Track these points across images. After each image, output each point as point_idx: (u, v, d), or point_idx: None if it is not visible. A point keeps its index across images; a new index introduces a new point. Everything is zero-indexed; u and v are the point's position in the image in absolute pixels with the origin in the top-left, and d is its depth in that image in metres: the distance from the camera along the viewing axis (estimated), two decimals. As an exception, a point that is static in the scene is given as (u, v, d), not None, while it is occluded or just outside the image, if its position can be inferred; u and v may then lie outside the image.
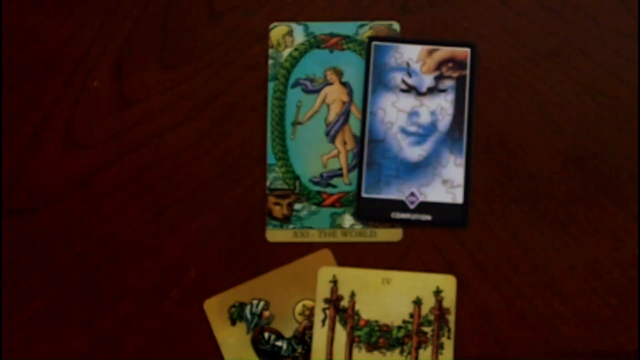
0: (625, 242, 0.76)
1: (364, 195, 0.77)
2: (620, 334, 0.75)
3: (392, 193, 0.77)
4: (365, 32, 0.80)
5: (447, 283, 0.75)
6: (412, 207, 0.77)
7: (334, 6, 0.81)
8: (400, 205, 0.77)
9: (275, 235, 0.78)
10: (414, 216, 0.77)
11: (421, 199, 0.77)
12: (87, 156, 0.79)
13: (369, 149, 0.78)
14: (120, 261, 0.78)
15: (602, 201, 0.77)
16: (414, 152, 0.78)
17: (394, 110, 0.78)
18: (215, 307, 0.76)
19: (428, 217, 0.77)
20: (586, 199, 0.77)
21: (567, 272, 0.76)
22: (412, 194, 0.77)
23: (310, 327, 0.76)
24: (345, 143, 0.79)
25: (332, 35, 0.80)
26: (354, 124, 0.79)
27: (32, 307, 0.77)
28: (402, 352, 0.75)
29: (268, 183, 0.78)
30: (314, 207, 0.78)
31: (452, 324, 0.75)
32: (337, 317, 0.75)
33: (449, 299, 0.75)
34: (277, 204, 0.78)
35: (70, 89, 0.80)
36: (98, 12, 0.82)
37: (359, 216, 0.77)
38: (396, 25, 0.80)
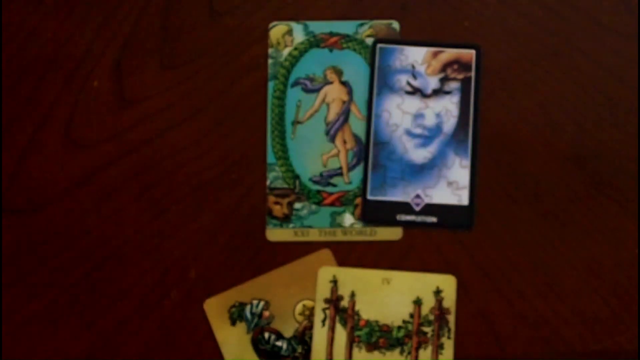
0: (625, 242, 0.76)
1: (369, 197, 0.77)
2: (620, 334, 0.75)
3: (397, 195, 0.77)
4: (365, 31, 0.80)
5: (447, 283, 0.75)
6: (417, 209, 0.77)
7: (334, 6, 0.81)
8: (406, 208, 0.77)
9: (275, 234, 0.78)
10: (420, 218, 0.77)
11: (427, 200, 0.77)
12: (87, 156, 0.79)
13: (374, 151, 0.78)
14: (120, 261, 0.78)
15: (602, 201, 0.77)
16: (419, 154, 0.77)
17: (399, 113, 0.78)
18: (215, 307, 0.76)
19: (434, 219, 0.77)
20: (586, 199, 0.77)
21: (567, 272, 0.76)
22: (418, 196, 0.77)
23: (310, 327, 0.76)
24: (345, 142, 0.79)
25: (331, 34, 0.80)
26: (354, 123, 0.79)
27: (32, 307, 0.77)
28: (402, 352, 0.75)
29: (268, 182, 0.78)
30: (314, 206, 0.78)
31: (452, 324, 0.75)
32: (337, 317, 0.75)
33: (449, 299, 0.75)
34: (277, 203, 0.78)
35: (70, 89, 0.80)
36: (98, 12, 0.81)
37: (364, 218, 0.77)
38: (396, 25, 0.80)
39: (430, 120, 0.78)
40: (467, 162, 0.77)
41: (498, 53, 0.79)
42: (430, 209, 0.77)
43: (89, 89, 0.80)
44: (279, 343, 0.76)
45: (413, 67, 0.79)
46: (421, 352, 0.75)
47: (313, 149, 0.79)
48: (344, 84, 0.80)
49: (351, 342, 0.75)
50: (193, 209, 0.78)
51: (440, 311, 0.75)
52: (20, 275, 0.78)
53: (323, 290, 0.76)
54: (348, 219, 0.78)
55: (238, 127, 0.80)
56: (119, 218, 0.78)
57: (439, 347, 0.75)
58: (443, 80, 0.78)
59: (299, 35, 0.80)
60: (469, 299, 0.76)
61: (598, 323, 0.75)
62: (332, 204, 0.78)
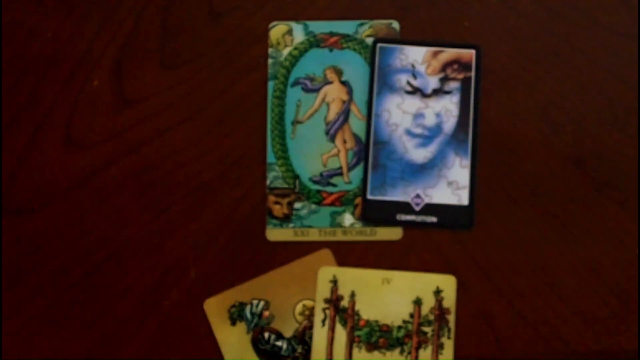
0: (625, 242, 0.76)
1: (369, 197, 0.77)
2: (620, 334, 0.75)
3: (397, 195, 0.77)
4: (365, 30, 0.80)
5: (447, 283, 0.75)
6: (417, 209, 0.77)
7: (334, 6, 0.81)
8: (406, 207, 0.77)
9: (275, 234, 0.78)
10: (420, 218, 0.77)
11: (427, 200, 0.77)
12: (87, 156, 0.79)
13: (374, 151, 0.78)
14: (120, 261, 0.78)
15: (602, 201, 0.77)
16: (419, 154, 0.77)
17: (399, 112, 0.78)
18: (215, 307, 0.76)
19: (434, 219, 0.77)
20: (586, 199, 0.77)
21: (567, 272, 0.76)
22: (418, 196, 0.77)
23: (310, 327, 0.76)
24: (345, 142, 0.79)
25: (331, 34, 0.80)
26: (354, 122, 0.79)
27: (32, 307, 0.77)
28: (402, 352, 0.75)
29: (268, 182, 0.78)
30: (314, 206, 0.78)
31: (452, 324, 0.75)
32: (337, 317, 0.75)
33: (449, 299, 0.75)
34: (277, 203, 0.78)
35: (70, 89, 0.80)
36: (98, 12, 0.82)
37: (364, 218, 0.77)
38: (396, 24, 0.80)
39: (430, 120, 0.78)
40: (467, 162, 0.77)
41: (498, 53, 0.79)
42: (430, 208, 0.77)
43: (89, 89, 0.80)
44: (279, 343, 0.76)
45: (413, 66, 0.79)
46: (421, 352, 0.75)
47: (313, 149, 0.79)
48: (344, 83, 0.80)
49: (351, 342, 0.75)
50: (193, 209, 0.78)
51: (440, 311, 0.75)
52: (20, 275, 0.78)
53: (323, 290, 0.76)
54: (348, 219, 0.78)
55: (238, 127, 0.80)
56: (119, 218, 0.78)
57: (439, 347, 0.75)
58: (443, 80, 0.78)
59: (299, 35, 0.80)
60: (469, 299, 0.76)
61: (598, 323, 0.75)
62: (332, 204, 0.78)
